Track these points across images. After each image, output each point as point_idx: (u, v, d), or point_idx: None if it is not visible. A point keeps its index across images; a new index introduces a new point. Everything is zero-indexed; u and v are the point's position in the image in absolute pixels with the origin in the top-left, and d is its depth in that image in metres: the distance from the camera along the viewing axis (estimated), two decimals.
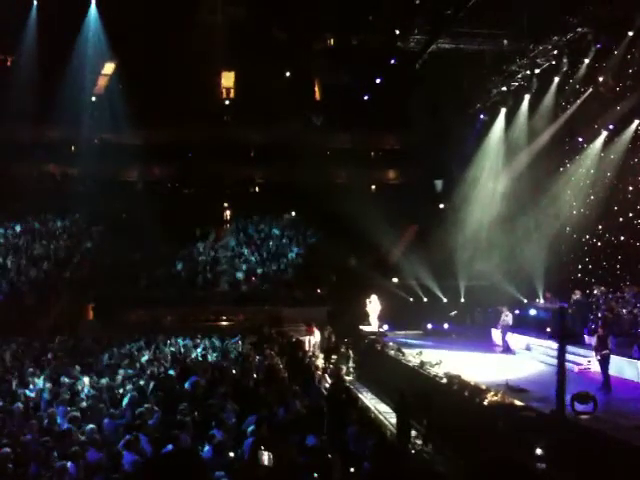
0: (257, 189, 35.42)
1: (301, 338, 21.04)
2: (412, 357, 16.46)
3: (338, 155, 32.78)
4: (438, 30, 23.11)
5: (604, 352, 14.49)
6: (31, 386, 13.30)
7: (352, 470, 9.01)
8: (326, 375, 15.18)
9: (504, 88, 25.09)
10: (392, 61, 26.71)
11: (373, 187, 34.57)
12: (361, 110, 29.94)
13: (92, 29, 27.58)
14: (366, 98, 30.09)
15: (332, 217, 27.46)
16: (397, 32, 24.48)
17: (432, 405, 12.98)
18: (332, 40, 32.91)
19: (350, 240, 26.14)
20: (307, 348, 19.14)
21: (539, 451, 9.80)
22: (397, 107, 29.88)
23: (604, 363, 14.47)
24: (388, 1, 25.25)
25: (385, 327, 22.27)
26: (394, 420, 13.11)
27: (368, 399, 16.30)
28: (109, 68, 31.54)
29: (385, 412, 14.74)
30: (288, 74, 33.84)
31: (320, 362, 18.15)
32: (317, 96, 35.14)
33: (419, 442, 12.82)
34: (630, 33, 19.72)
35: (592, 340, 15.14)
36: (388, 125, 32.74)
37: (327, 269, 27.24)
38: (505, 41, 23.42)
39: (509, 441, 10.58)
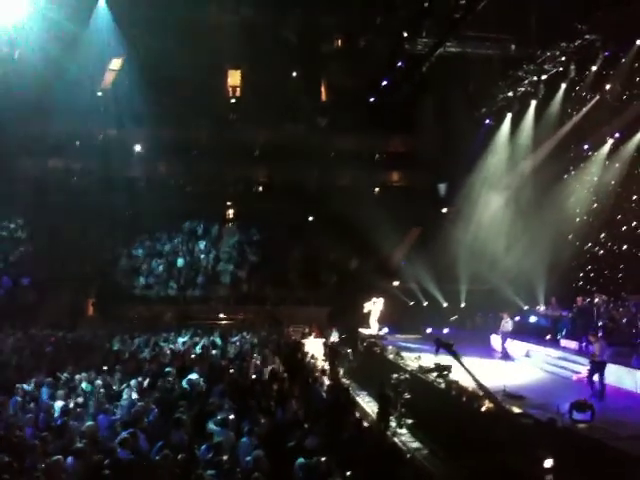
0: (260, 189, 35.32)
1: (301, 339, 21.02)
2: (411, 361, 16.42)
3: (342, 157, 32.70)
4: (446, 33, 23.04)
5: (600, 360, 14.46)
6: (29, 380, 13.28)
7: (348, 473, 8.99)
8: (324, 377, 15.15)
9: (510, 93, 25.01)
10: (399, 64, 26.63)
11: (376, 189, 34.52)
12: (366, 112, 29.86)
13: (100, 23, 27.47)
14: (372, 100, 30.02)
15: (335, 218, 27.40)
16: (405, 34, 24.40)
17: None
18: (340, 41, 32.81)
19: (352, 242, 26.11)
20: (307, 349, 19.09)
21: (549, 462, 9.69)
22: (403, 110, 29.82)
23: (600, 372, 14.45)
24: (397, 3, 25.16)
25: (385, 330, 22.24)
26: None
27: (365, 402, 16.26)
28: (116, 63, 31.48)
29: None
30: (295, 74, 33.76)
31: (319, 363, 18.11)
32: (323, 97, 35.08)
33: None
34: (639, 42, 19.70)
35: (590, 348, 15.09)
36: (393, 128, 32.64)
37: (329, 270, 27.24)
38: (513, 46, 23.32)
39: (506, 448, 10.54)
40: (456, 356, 12.08)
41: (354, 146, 33.49)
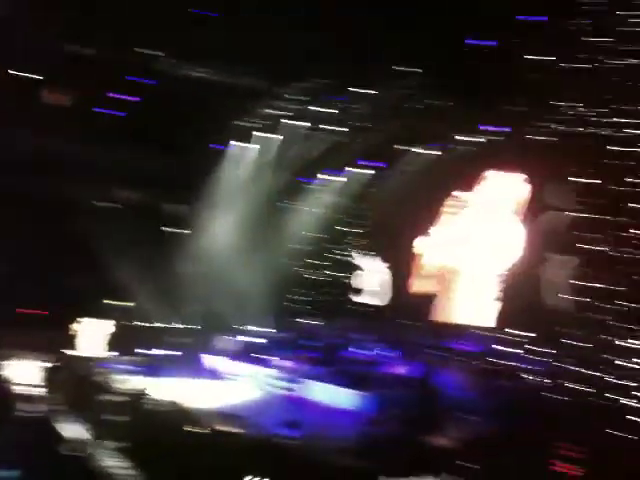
0: None
1: (13, 364, 19.25)
2: (122, 384, 16.06)
3: (79, 168, 30.97)
4: (193, 57, 23.30)
5: (303, 377, 15.72)
6: None
7: None
8: (35, 404, 14.12)
9: (250, 124, 26.07)
10: (146, 81, 26.25)
11: (109, 205, 33.16)
12: (111, 125, 28.79)
13: None
14: (112, 113, 29.04)
15: (63, 233, 25.79)
16: (152, 52, 24.17)
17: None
18: (85, 50, 31.16)
19: (77, 259, 24.84)
20: (15, 374, 17.54)
21: None
22: (143, 126, 29.26)
23: (306, 387, 15.68)
24: (147, 17, 24.75)
25: (101, 353, 21.58)
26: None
27: (78, 428, 15.44)
28: None
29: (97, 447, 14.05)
30: (36, 77, 31.25)
31: (31, 391, 16.76)
32: (63, 103, 32.91)
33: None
34: (370, 91, 21.83)
35: (299, 366, 16.24)
36: (134, 143, 31.80)
37: (48, 289, 25.42)
38: (256, 78, 24.29)
39: (221, 470, 10.66)
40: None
41: (91, 157, 31.91)
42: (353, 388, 16.43)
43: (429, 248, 22.81)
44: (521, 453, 10.63)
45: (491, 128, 21.26)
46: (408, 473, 9.62)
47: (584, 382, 14.50)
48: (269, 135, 25.86)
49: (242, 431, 12.40)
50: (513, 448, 10.88)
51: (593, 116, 16.96)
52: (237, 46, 21.70)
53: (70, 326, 22.02)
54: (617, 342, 14.72)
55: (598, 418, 12.57)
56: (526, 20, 17.63)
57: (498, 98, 19.24)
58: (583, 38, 16.91)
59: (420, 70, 20.89)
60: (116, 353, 22.19)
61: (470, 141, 22.05)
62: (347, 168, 25.96)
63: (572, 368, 15.31)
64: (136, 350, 22.96)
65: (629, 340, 14.63)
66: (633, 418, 12.55)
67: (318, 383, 17.37)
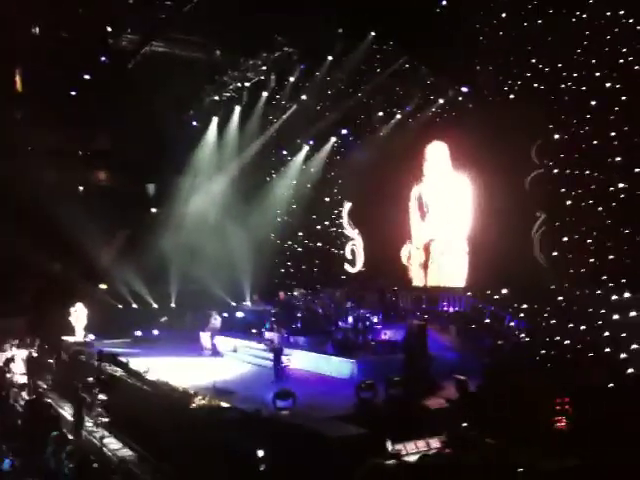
0: None
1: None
2: (111, 365, 16.05)
3: (42, 152, 30.36)
4: (151, 32, 22.86)
5: (276, 347, 16.63)
6: None
7: None
8: (23, 392, 14.05)
9: (216, 97, 25.84)
10: (103, 58, 25.66)
11: (81, 188, 32.72)
12: (69, 106, 28.19)
13: None
14: (73, 93, 28.43)
15: (35, 219, 25.36)
16: (109, 29, 23.61)
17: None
18: (38, 29, 30.31)
19: (55, 244, 24.53)
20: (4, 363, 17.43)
21: (260, 453, 9.96)
22: (108, 106, 28.76)
23: (277, 356, 16.49)
24: None
25: (91, 337, 21.46)
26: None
27: (68, 412, 15.44)
28: None
29: (88, 427, 14.07)
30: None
31: (18, 377, 16.66)
32: (18, 87, 32.13)
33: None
34: (330, 57, 21.69)
35: (287, 337, 16.48)
36: (98, 124, 31.24)
37: (28, 276, 25.11)
38: (218, 52, 24.02)
39: (218, 443, 10.77)
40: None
41: (55, 141, 31.30)
42: (343, 356, 16.64)
43: (402, 217, 22.67)
44: (510, 408, 10.96)
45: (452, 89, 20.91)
46: (407, 435, 9.84)
47: (564, 335, 14.78)
48: (240, 107, 25.57)
49: (238, 405, 12.53)
50: (503, 403, 11.20)
51: (559, 72, 16.70)
52: (199, 19, 21.34)
53: (57, 312, 21.89)
54: (593, 294, 14.92)
55: (580, 369, 12.90)
56: None
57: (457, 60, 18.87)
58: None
59: (374, 34, 20.56)
60: (104, 335, 22.19)
61: (433, 103, 21.75)
62: (316, 137, 25.75)
63: (552, 322, 15.56)
64: (123, 331, 23.10)
65: (604, 292, 14.83)
66: (614, 368, 12.87)
67: (307, 353, 17.55)
